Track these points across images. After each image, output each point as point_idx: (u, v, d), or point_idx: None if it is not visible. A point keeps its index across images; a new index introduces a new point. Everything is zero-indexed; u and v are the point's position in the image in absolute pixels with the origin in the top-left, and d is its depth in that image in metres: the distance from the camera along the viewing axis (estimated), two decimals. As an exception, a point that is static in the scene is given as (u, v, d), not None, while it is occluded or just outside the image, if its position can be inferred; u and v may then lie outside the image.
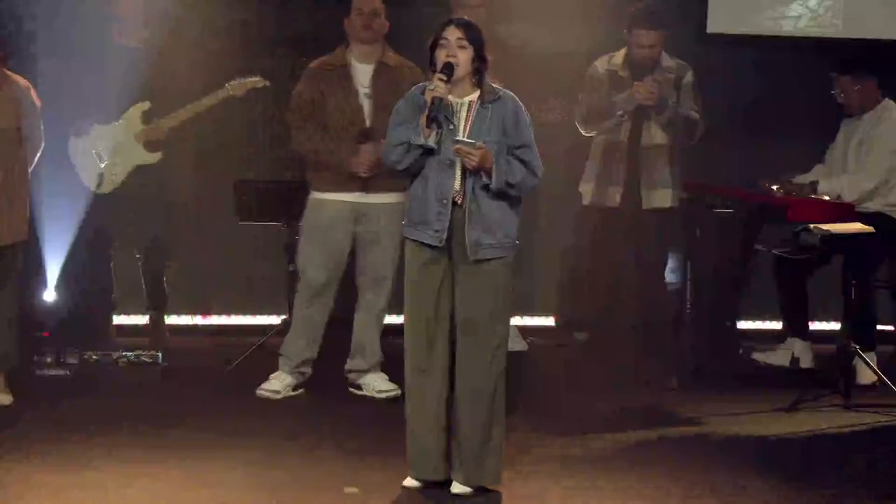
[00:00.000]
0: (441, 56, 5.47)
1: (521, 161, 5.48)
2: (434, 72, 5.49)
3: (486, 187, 5.45)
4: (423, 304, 5.53)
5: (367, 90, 7.09)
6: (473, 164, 5.39)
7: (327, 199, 7.11)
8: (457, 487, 5.53)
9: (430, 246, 5.50)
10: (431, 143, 5.43)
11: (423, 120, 5.41)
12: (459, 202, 5.47)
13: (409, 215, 5.57)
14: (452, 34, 5.47)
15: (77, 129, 7.78)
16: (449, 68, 5.43)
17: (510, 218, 5.54)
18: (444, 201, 5.46)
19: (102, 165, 7.79)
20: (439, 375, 5.53)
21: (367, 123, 7.07)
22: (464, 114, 5.51)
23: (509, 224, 5.53)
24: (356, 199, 7.07)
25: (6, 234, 6.77)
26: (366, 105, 7.08)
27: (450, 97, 5.47)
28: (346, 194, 7.07)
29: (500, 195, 5.48)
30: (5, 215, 6.75)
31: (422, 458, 5.58)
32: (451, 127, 5.47)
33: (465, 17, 5.58)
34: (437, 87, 5.41)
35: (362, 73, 7.11)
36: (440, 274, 5.52)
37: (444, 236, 5.46)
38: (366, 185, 7.03)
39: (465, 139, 5.43)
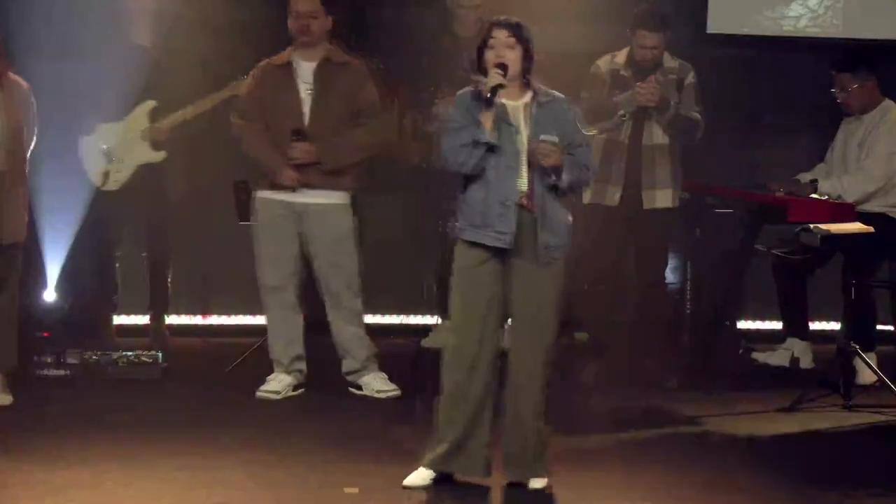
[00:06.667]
0: (490, 57, 5.47)
1: (578, 160, 5.51)
2: (478, 74, 5.46)
3: (552, 188, 5.46)
4: (476, 306, 5.52)
5: (309, 87, 7.06)
6: (552, 161, 5.40)
7: (269, 199, 7.11)
8: (536, 483, 5.57)
9: (487, 248, 5.48)
10: (494, 139, 5.41)
11: (486, 116, 5.37)
12: (526, 205, 5.47)
13: (465, 217, 5.54)
14: (500, 34, 5.48)
15: (84, 128, 7.80)
16: (503, 67, 5.44)
17: (568, 217, 5.59)
18: (507, 203, 5.44)
19: (109, 163, 7.80)
20: (485, 372, 5.53)
21: (306, 121, 7.04)
22: (521, 115, 5.50)
23: (568, 223, 5.58)
24: (290, 198, 7.05)
25: (6, 234, 6.77)
26: (307, 102, 7.06)
27: (503, 100, 5.46)
28: (281, 193, 7.07)
29: (562, 195, 5.51)
30: (5, 215, 6.76)
31: (462, 455, 5.57)
32: (512, 127, 5.47)
33: (515, 18, 5.54)
34: (495, 77, 5.40)
35: (306, 71, 7.08)
36: (495, 275, 5.51)
37: (511, 238, 5.45)
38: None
39: (548, 137, 5.42)
